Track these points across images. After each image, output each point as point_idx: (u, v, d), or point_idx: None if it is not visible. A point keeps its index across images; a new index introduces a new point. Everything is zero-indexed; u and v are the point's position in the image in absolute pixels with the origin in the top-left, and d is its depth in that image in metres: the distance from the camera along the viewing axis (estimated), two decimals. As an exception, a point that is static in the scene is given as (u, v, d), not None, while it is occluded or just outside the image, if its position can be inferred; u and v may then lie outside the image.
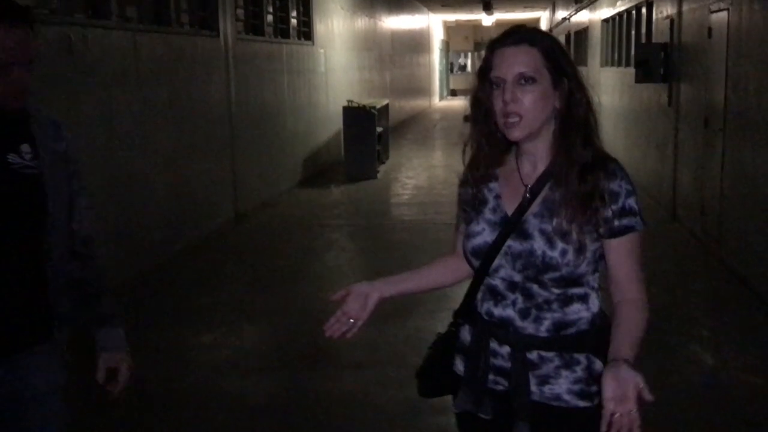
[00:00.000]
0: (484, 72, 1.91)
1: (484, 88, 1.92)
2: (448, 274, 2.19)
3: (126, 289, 6.38)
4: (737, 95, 6.39)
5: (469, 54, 45.09)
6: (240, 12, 9.63)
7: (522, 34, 1.89)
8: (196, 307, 6.03)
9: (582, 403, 1.93)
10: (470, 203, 2.02)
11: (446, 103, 35.18)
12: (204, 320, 5.74)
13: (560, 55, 1.90)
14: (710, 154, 7.20)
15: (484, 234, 1.96)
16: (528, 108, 1.85)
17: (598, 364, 1.92)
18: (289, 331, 5.57)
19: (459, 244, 2.10)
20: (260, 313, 5.97)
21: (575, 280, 1.91)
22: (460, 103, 32.10)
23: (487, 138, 1.98)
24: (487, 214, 1.98)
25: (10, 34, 2.02)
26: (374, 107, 12.67)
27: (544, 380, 1.94)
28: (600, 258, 1.93)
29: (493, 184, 1.99)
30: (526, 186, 1.93)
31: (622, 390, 1.67)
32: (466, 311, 2.06)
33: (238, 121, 9.10)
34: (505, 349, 1.95)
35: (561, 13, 24.80)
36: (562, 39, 24.66)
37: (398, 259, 7.46)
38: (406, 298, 5.74)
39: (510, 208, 1.94)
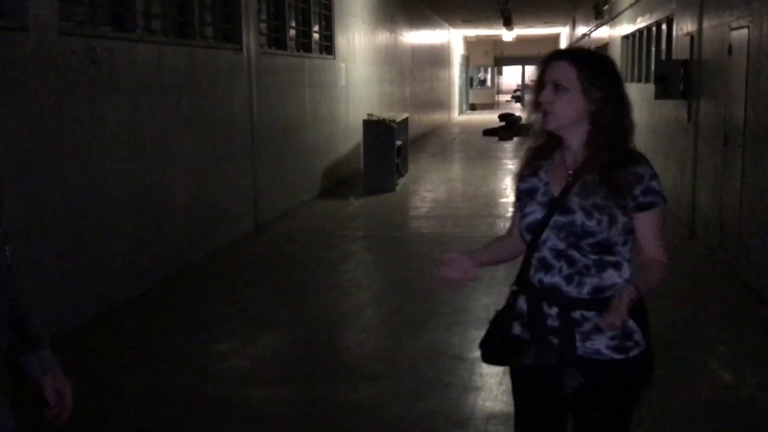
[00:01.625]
0: (539, 78, 2.45)
1: (538, 90, 2.44)
2: (508, 251, 2.64)
3: (146, 297, 6.47)
4: (757, 113, 6.39)
5: (489, 69, 45.14)
6: (263, 26, 9.75)
7: (565, 53, 2.45)
8: (215, 316, 6.09)
9: (618, 356, 2.37)
10: (526, 191, 2.50)
11: (466, 117, 35.21)
12: (222, 329, 5.79)
13: (594, 73, 2.38)
14: (730, 171, 7.19)
15: (536, 213, 2.43)
16: (557, 108, 2.38)
17: (630, 323, 2.35)
18: (306, 342, 5.61)
19: (516, 228, 2.57)
20: (278, 323, 6.01)
21: (609, 248, 2.35)
22: (479, 118, 32.14)
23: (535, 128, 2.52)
24: (539, 197, 2.46)
25: None
26: (394, 121, 12.73)
27: (586, 336, 2.37)
28: (630, 231, 2.37)
29: (543, 175, 2.49)
30: (569, 172, 2.42)
31: (619, 298, 2.18)
32: (523, 282, 2.48)
33: (259, 133, 9.19)
34: (554, 311, 2.39)
35: (581, 29, 24.80)
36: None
37: (416, 271, 7.51)
38: (422, 311, 5.80)
39: (556, 191, 2.42)
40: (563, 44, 34.30)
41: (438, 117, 27.95)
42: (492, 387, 4.66)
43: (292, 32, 10.85)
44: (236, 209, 8.70)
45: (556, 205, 2.40)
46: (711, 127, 8.01)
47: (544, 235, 2.40)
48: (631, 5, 13.84)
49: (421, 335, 5.64)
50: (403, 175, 13.69)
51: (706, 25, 8.34)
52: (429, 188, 12.95)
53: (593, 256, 2.35)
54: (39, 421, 2.15)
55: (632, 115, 2.44)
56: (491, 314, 2.60)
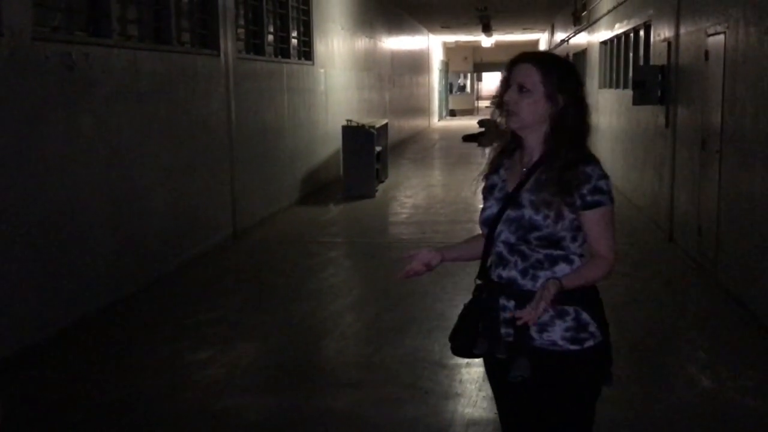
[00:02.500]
0: (504, 79, 2.55)
1: (502, 92, 2.55)
2: (479, 248, 2.66)
3: (122, 304, 6.39)
4: (733, 117, 6.43)
5: (469, 75, 45.26)
6: (241, 32, 9.70)
7: (530, 57, 2.53)
8: (192, 324, 6.03)
9: (573, 347, 2.45)
10: (488, 188, 2.63)
11: (445, 123, 35.28)
12: (199, 337, 5.73)
13: (558, 78, 2.48)
14: (707, 175, 7.23)
15: (492, 208, 2.56)
16: (521, 108, 2.49)
17: (584, 315, 2.46)
18: (285, 349, 5.57)
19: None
20: (256, 330, 5.96)
21: (556, 243, 2.46)
22: (459, 124, 32.20)
23: (499, 129, 2.62)
24: (496, 193, 2.59)
25: None
26: (373, 126, 12.72)
27: (542, 328, 2.46)
28: (578, 228, 2.46)
29: (502, 172, 2.62)
30: (524, 169, 2.53)
31: (541, 291, 2.31)
32: (484, 276, 2.60)
33: (237, 138, 9.13)
34: (512, 303, 2.49)
35: (560, 35, 24.92)
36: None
37: (395, 277, 7.47)
38: (402, 317, 5.78)
39: (511, 188, 2.54)
40: (543, 50, 34.45)
41: (418, 123, 27.97)
42: (472, 393, 4.64)
43: (271, 38, 10.81)
44: (214, 216, 8.64)
45: (510, 200, 2.51)
46: (688, 132, 8.05)
47: (498, 229, 2.52)
48: (609, 11, 13.92)
49: (401, 342, 5.61)
50: (383, 181, 13.67)
51: (683, 31, 8.39)
52: (409, 194, 12.94)
53: (542, 251, 2.47)
54: None
55: (589, 119, 2.55)
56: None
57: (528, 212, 2.45)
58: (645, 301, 6.74)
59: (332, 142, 13.24)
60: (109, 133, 6.38)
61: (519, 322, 2.31)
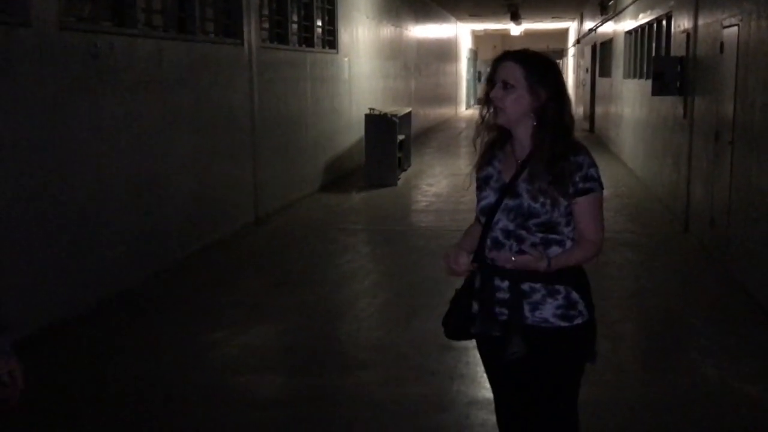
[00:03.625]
0: (489, 77, 2.72)
1: (489, 88, 2.70)
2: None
3: (145, 286, 6.63)
4: (744, 109, 6.49)
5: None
6: (265, 21, 9.88)
7: (513, 55, 2.68)
8: (211, 306, 6.24)
9: (563, 323, 2.64)
10: (483, 179, 2.76)
11: (473, 111, 35.24)
12: (218, 318, 5.94)
13: (539, 73, 2.65)
14: (720, 166, 7.30)
15: (489, 197, 2.70)
16: (507, 104, 2.64)
17: (573, 294, 2.64)
18: (299, 331, 5.76)
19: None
20: (273, 312, 6.16)
21: (553, 227, 2.62)
22: (486, 112, 32.12)
23: (486, 122, 2.76)
24: (492, 184, 2.72)
25: None
26: (396, 115, 12.85)
27: (534, 306, 2.63)
28: (570, 213, 2.63)
29: (496, 164, 2.75)
30: (518, 161, 2.68)
31: (528, 258, 2.55)
32: (479, 260, 2.72)
33: (260, 126, 9.33)
34: (506, 284, 2.65)
35: (588, 24, 24.82)
36: (588, 50, 24.70)
37: (412, 263, 7.65)
38: (415, 302, 5.95)
39: (507, 178, 2.68)
40: (572, 39, 34.31)
41: (444, 111, 28.03)
42: (476, 375, 4.78)
43: (295, 27, 10.98)
44: (236, 202, 8.85)
45: (507, 190, 2.67)
46: (704, 123, 8.11)
47: (496, 217, 2.67)
48: (634, 1, 13.91)
49: (411, 325, 5.78)
50: (405, 170, 13.81)
51: (701, 22, 8.43)
52: (431, 182, 13.07)
53: (540, 234, 2.63)
54: None
55: (572, 111, 2.73)
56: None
57: (526, 201, 2.61)
58: (655, 289, 6.84)
59: (355, 131, 13.40)
60: (134, 121, 6.59)
61: (491, 258, 2.60)
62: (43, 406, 4.31)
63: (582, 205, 2.61)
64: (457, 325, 2.82)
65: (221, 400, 4.55)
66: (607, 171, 14.14)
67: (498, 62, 2.69)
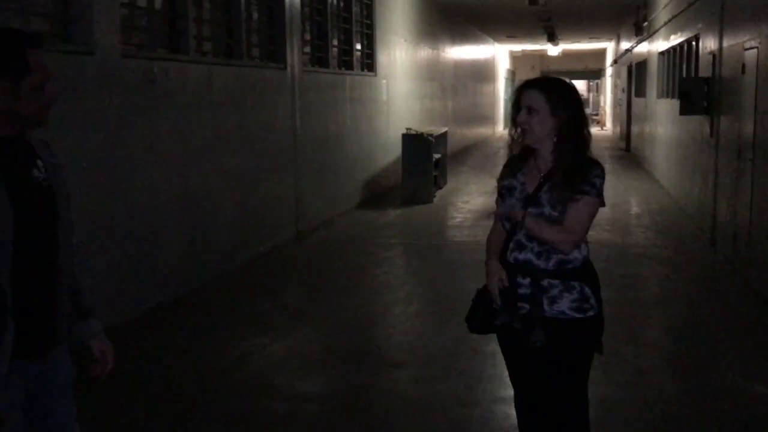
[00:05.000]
0: (516, 101, 3.11)
1: (515, 111, 3.09)
2: (501, 241, 3.16)
3: (193, 294, 7.10)
4: (764, 127, 6.79)
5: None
6: (306, 46, 10.39)
7: (534, 83, 3.09)
8: (254, 312, 6.68)
9: (578, 315, 3.01)
10: (506, 188, 3.13)
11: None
12: (260, 323, 6.37)
13: (559, 98, 3.04)
14: (742, 183, 7.59)
15: (515, 206, 3.04)
16: (532, 126, 3.03)
17: (587, 290, 3.02)
18: (336, 335, 6.17)
19: (500, 222, 3.16)
20: (312, 318, 6.58)
21: None
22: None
23: (515, 141, 3.15)
24: (517, 194, 3.08)
25: (42, 57, 2.43)
26: (432, 135, 13.27)
27: (552, 301, 3.00)
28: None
29: (520, 176, 3.11)
30: (541, 174, 3.05)
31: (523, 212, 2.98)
32: (503, 260, 3.09)
33: (301, 146, 9.82)
34: (527, 281, 3.02)
35: (624, 45, 25.07)
36: (624, 70, 24.92)
37: (445, 275, 8.03)
38: (447, 310, 6.33)
39: (531, 189, 3.05)
40: (609, 59, 34.47)
41: (482, 131, 28.40)
42: (502, 375, 5.09)
43: (335, 51, 11.48)
44: (278, 217, 9.32)
45: (531, 200, 3.03)
46: (729, 141, 8.40)
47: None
48: (666, 23, 14.19)
49: (443, 331, 6.15)
50: (441, 187, 14.20)
51: (725, 44, 8.74)
52: (466, 200, 13.44)
53: None
54: (82, 375, 2.68)
55: (589, 129, 3.13)
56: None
57: (547, 210, 2.98)
58: (678, 299, 7.14)
59: (393, 150, 13.84)
60: (185, 140, 7.10)
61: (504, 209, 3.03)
62: (113, 391, 4.77)
63: (575, 202, 2.96)
64: (480, 320, 3.20)
65: (266, 394, 4.96)
66: (640, 189, 14.42)
67: (521, 90, 3.10)
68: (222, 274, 7.70)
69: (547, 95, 3.02)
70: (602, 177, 3.02)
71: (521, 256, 3.04)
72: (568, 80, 3.31)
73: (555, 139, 3.03)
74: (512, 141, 3.18)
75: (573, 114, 3.04)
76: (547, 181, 3.03)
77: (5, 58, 2.33)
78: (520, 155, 3.16)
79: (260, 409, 4.76)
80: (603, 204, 3.05)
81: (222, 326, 6.33)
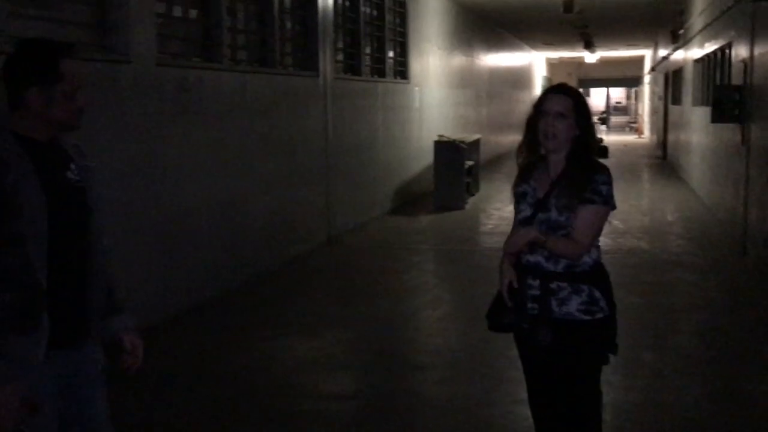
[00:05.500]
0: (537, 106, 3.18)
1: (535, 116, 3.15)
2: None
3: (225, 296, 7.28)
4: (792, 135, 6.80)
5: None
6: (339, 53, 10.56)
7: (563, 88, 3.21)
8: (283, 315, 6.84)
9: (586, 317, 3.09)
10: (520, 194, 3.22)
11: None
12: (289, 326, 6.52)
13: (582, 105, 3.15)
14: (771, 190, 7.58)
15: (526, 211, 3.16)
16: (559, 131, 3.10)
17: (596, 292, 3.09)
18: (363, 337, 6.30)
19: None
20: (340, 321, 6.72)
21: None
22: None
23: (529, 146, 3.22)
24: (528, 199, 3.17)
25: (78, 66, 2.55)
26: (464, 142, 13.36)
27: (561, 302, 3.08)
28: None
29: (532, 182, 3.19)
30: (552, 180, 3.13)
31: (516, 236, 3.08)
32: (517, 262, 3.18)
33: (333, 152, 9.99)
34: (537, 282, 3.11)
35: (662, 52, 24.93)
36: (661, 77, 24.77)
37: (473, 280, 8.11)
38: (473, 315, 6.44)
39: (541, 194, 3.13)
40: (647, 66, 34.25)
41: (517, 138, 28.14)
42: (523, 378, 5.23)
43: (367, 59, 11.64)
44: (310, 223, 9.49)
45: (540, 205, 3.13)
46: (760, 149, 8.39)
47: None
48: (700, 31, 14.15)
49: (467, 335, 6.25)
50: (473, 194, 14.28)
51: (756, 52, 8.73)
52: (498, 206, 13.48)
53: None
54: (114, 367, 2.81)
55: (597, 136, 3.29)
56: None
57: (554, 214, 3.07)
58: (705, 305, 7.15)
59: (425, 157, 13.95)
60: (218, 147, 7.30)
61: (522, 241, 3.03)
62: (146, 386, 4.95)
63: (581, 212, 3.05)
64: (496, 318, 3.31)
65: (295, 392, 5.10)
66: (674, 197, 14.37)
67: (547, 95, 3.19)
68: (253, 277, 7.88)
69: (575, 101, 3.13)
70: (609, 183, 3.10)
71: (532, 259, 3.13)
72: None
73: (571, 145, 3.13)
74: (525, 146, 3.24)
75: (588, 123, 3.17)
76: (556, 185, 3.13)
77: (40, 67, 2.50)
78: (530, 162, 3.26)
79: (288, 407, 4.89)
80: (613, 207, 3.14)
81: (252, 327, 6.49)
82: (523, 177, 3.27)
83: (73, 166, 2.64)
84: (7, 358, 2.39)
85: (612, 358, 3.25)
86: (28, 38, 2.69)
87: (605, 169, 3.15)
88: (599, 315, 3.10)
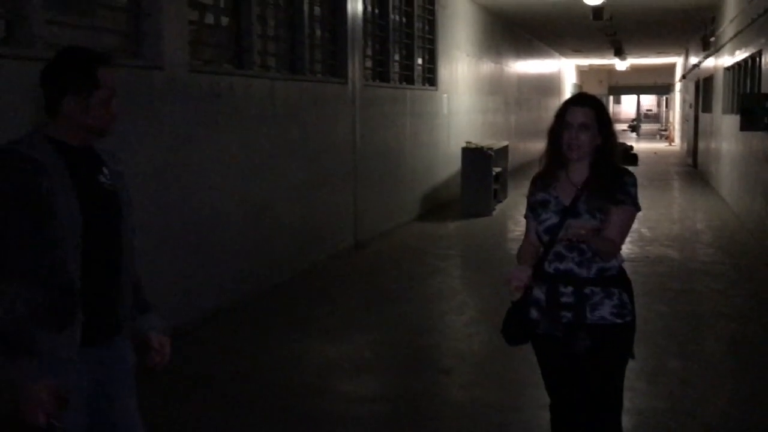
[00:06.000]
0: (560, 117, 3.24)
1: (558, 127, 3.22)
2: (533, 252, 3.32)
3: (253, 299, 7.38)
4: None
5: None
6: (368, 60, 10.65)
7: (585, 99, 3.27)
8: (310, 318, 6.92)
9: (618, 320, 3.18)
10: (539, 202, 3.27)
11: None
12: (315, 329, 6.60)
13: (604, 115, 3.23)
14: (800, 199, 7.54)
15: (551, 218, 3.21)
16: (583, 141, 3.18)
17: (625, 296, 3.20)
18: (388, 341, 6.36)
19: (532, 233, 3.33)
20: (365, 325, 6.79)
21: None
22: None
23: (551, 156, 3.28)
24: (551, 207, 3.22)
25: (113, 73, 2.65)
26: (492, 148, 13.39)
27: (594, 307, 3.17)
28: None
29: (552, 191, 3.26)
30: (577, 186, 3.20)
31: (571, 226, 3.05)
32: (539, 273, 3.21)
33: (361, 158, 10.07)
34: (569, 289, 3.17)
35: (693, 60, 24.75)
36: (692, 85, 24.59)
37: (498, 286, 8.12)
38: (498, 319, 6.48)
39: (567, 201, 3.20)
40: (678, 74, 34.00)
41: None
42: (547, 383, 5.27)
43: (396, 66, 11.72)
44: (337, 228, 9.58)
45: (568, 211, 3.18)
46: (789, 157, 8.34)
47: (560, 234, 3.16)
48: (731, 39, 14.06)
49: (492, 339, 6.23)
50: (501, 201, 14.29)
51: (786, 59, 8.69)
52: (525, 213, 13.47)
53: None
54: (142, 365, 2.90)
55: (617, 142, 3.36)
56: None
57: (586, 218, 3.14)
58: (732, 315, 7.12)
59: (453, 163, 13.99)
60: (248, 151, 7.41)
61: (572, 236, 3.00)
62: (175, 386, 5.05)
63: (615, 213, 3.15)
64: (516, 332, 3.36)
65: (319, 395, 5.18)
66: (704, 205, 14.29)
67: (568, 106, 3.25)
68: (281, 281, 7.98)
69: (597, 112, 3.21)
70: (635, 185, 3.23)
71: (562, 266, 3.17)
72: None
73: (593, 154, 3.21)
74: (547, 156, 3.30)
75: (609, 131, 3.25)
76: (583, 191, 3.20)
77: (78, 75, 2.60)
78: (545, 171, 3.31)
79: (313, 408, 4.97)
80: (639, 209, 3.23)
81: (279, 329, 6.58)
82: (540, 185, 3.31)
83: (105, 170, 2.74)
84: (39, 355, 2.49)
85: (636, 364, 3.31)
86: (66, 47, 2.79)
87: (630, 173, 3.27)
88: (628, 318, 3.21)
